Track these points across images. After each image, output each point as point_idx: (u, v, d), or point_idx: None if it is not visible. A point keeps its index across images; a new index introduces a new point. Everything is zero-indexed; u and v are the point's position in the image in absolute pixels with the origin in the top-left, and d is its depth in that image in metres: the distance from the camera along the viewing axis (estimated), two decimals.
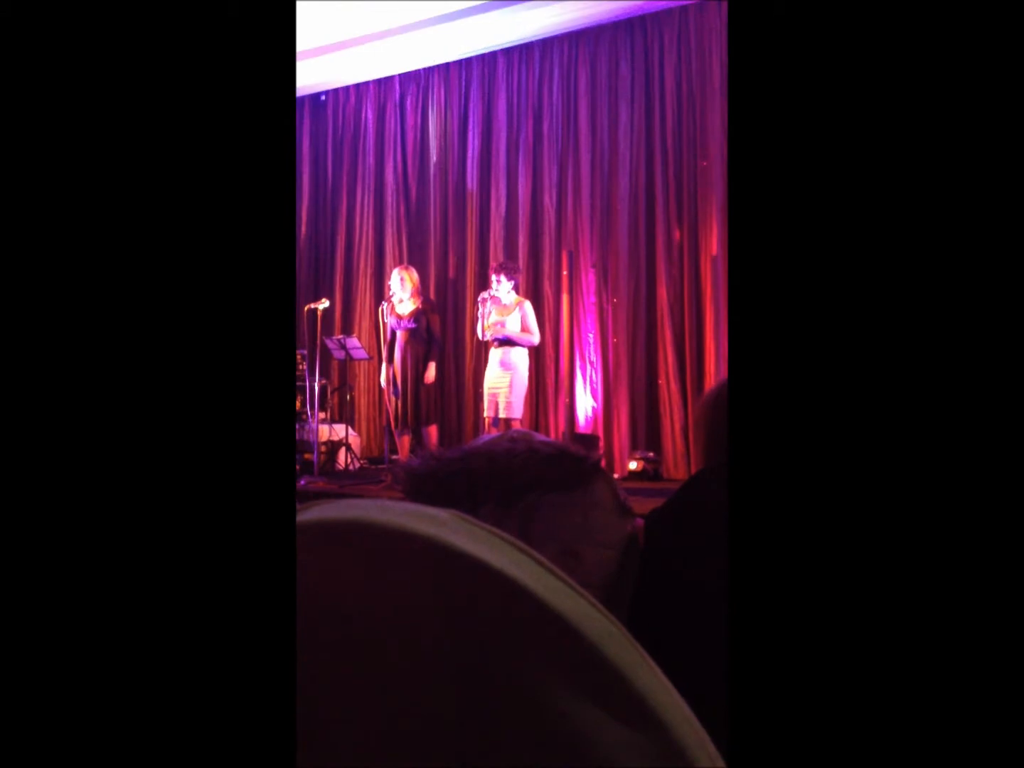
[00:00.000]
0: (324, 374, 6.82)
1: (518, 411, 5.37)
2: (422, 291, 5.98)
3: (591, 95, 6.51)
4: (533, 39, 6.67)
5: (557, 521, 0.70)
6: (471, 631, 0.22)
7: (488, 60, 6.98)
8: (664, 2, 6.12)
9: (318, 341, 6.09)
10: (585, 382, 6.36)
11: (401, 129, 7.45)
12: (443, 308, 6.82)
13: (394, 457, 6.05)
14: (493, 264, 5.91)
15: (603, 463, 0.78)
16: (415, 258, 7.07)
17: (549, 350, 6.44)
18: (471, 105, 7.09)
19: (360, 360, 6.73)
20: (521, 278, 5.89)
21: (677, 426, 5.98)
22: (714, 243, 5.92)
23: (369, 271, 7.54)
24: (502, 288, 5.44)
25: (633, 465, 5.87)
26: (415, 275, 5.88)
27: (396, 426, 5.82)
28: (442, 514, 0.26)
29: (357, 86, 7.67)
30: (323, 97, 7.86)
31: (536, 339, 5.52)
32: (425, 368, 5.69)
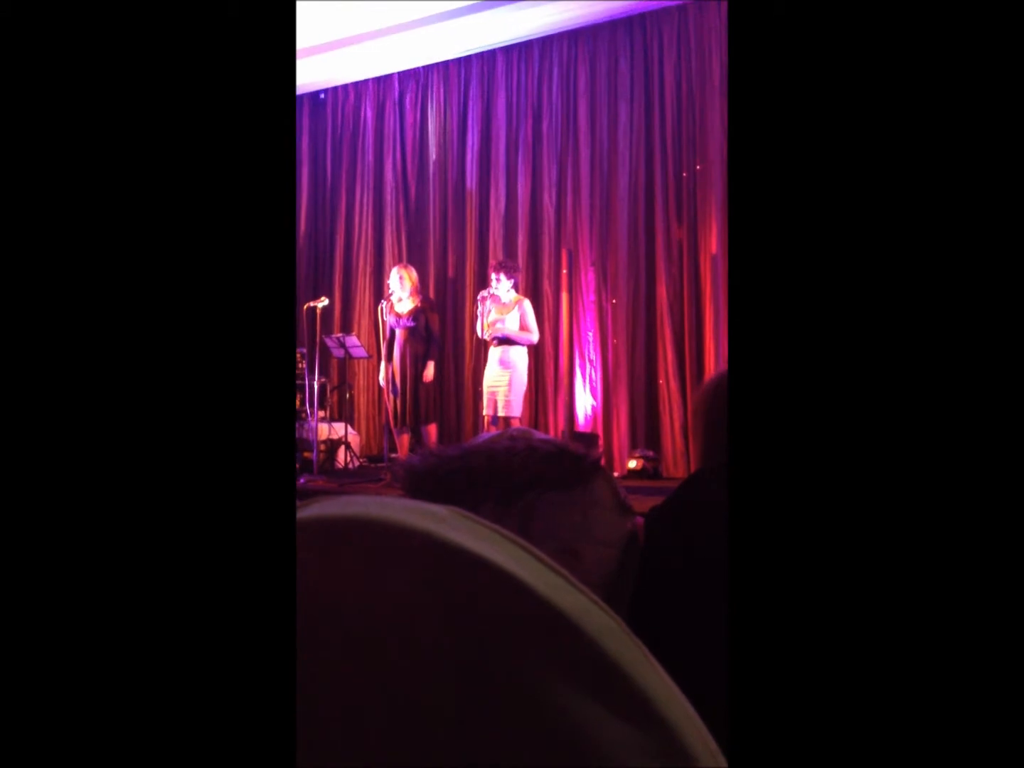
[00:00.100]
0: (323, 372, 6.82)
1: (517, 410, 5.37)
2: (421, 290, 5.98)
3: (591, 94, 6.51)
4: (532, 37, 6.66)
5: (557, 519, 0.70)
6: (471, 628, 0.22)
7: (487, 58, 6.98)
8: (664, 1, 6.11)
9: (317, 339, 6.09)
10: (584, 381, 6.36)
11: (400, 127, 7.44)
12: (442, 307, 6.82)
13: (393, 456, 6.05)
14: (492, 263, 5.90)
15: (603, 461, 0.78)
16: (414, 257, 7.06)
17: (548, 349, 6.44)
18: (470, 103, 7.08)
19: (359, 358, 6.73)
20: (520, 277, 5.89)
21: (677, 425, 5.98)
22: (714, 242, 5.91)
23: (368, 269, 7.54)
24: (501, 287, 5.44)
25: (632, 464, 5.87)
26: (414, 274, 5.87)
27: (395, 424, 5.82)
28: (442, 510, 0.26)
29: (356, 84, 7.67)
30: (322, 95, 7.85)
31: (535, 338, 5.52)
32: (424, 367, 5.69)
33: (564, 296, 6.49)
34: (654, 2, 6.14)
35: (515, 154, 6.82)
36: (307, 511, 0.25)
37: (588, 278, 6.40)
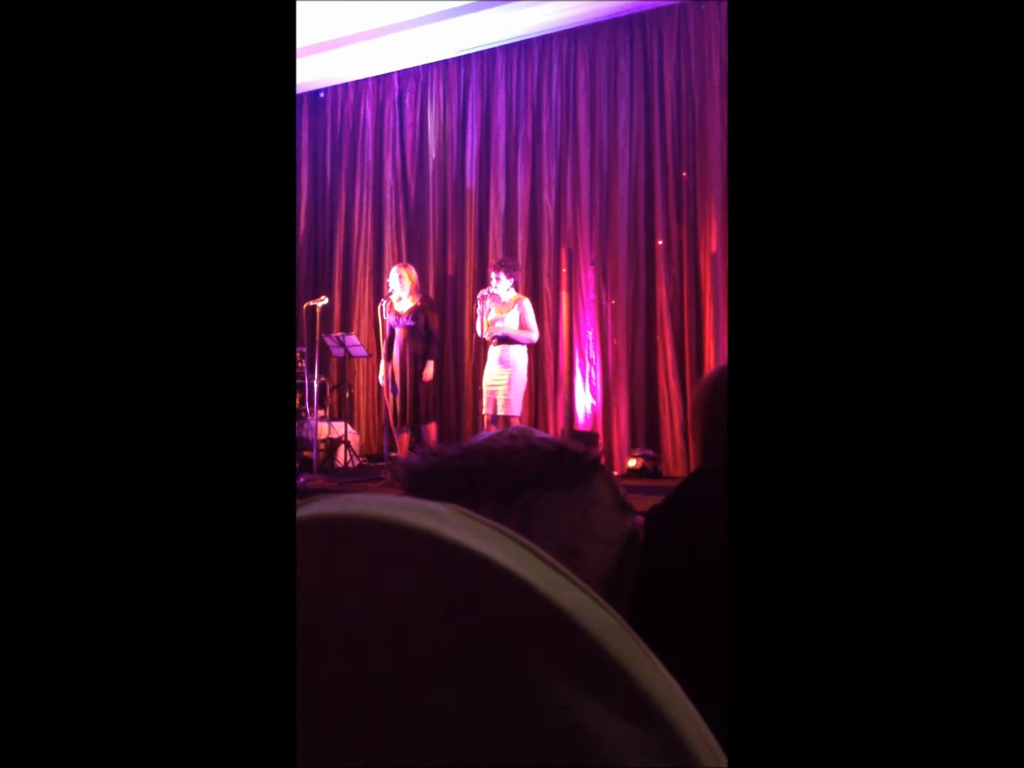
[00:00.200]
0: (323, 372, 6.82)
1: (517, 408, 5.37)
2: (421, 289, 5.97)
3: (590, 92, 6.51)
4: (532, 36, 6.66)
5: (557, 518, 0.70)
6: (471, 626, 0.22)
7: (487, 57, 6.97)
8: (663, 0, 6.11)
9: (317, 339, 6.09)
10: (584, 380, 6.36)
11: (400, 126, 7.44)
12: (442, 306, 6.82)
13: (393, 455, 6.05)
14: (492, 262, 5.90)
15: (602, 460, 0.78)
16: (414, 256, 7.06)
17: (548, 348, 6.44)
18: (470, 102, 7.08)
19: (359, 358, 6.73)
20: (520, 275, 5.88)
21: (676, 424, 5.98)
22: (713, 241, 5.91)
23: (368, 268, 7.54)
24: (501, 286, 5.43)
25: (632, 462, 5.87)
26: (414, 273, 5.87)
27: (395, 423, 5.82)
28: (442, 508, 0.26)
29: (356, 83, 7.66)
30: (322, 94, 7.85)
31: (535, 336, 5.52)
32: (424, 366, 5.69)
33: (564, 295, 6.49)
34: (654, 1, 6.13)
35: (515, 153, 6.82)
36: (307, 509, 0.25)
37: (588, 277, 6.40)
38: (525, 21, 6.39)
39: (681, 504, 0.95)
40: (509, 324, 5.37)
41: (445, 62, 7.16)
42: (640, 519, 0.80)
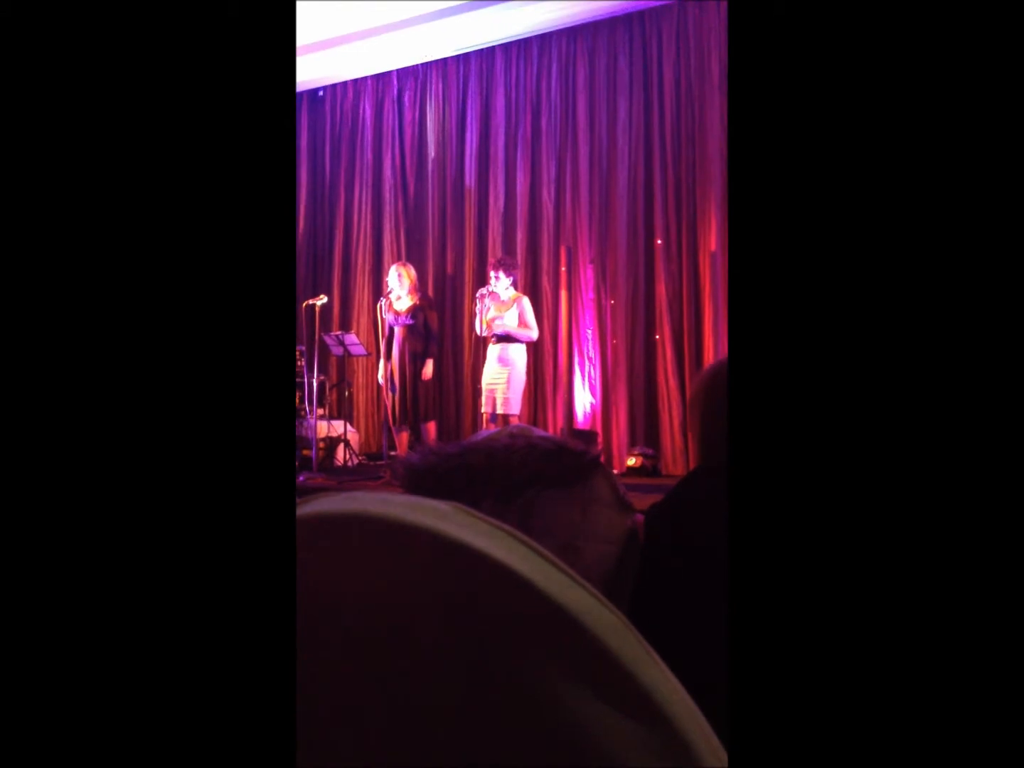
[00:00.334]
0: (322, 370, 6.82)
1: (516, 407, 5.37)
2: (420, 287, 5.97)
3: (589, 90, 6.50)
4: (531, 34, 6.66)
5: (556, 516, 0.70)
6: (473, 624, 0.22)
7: (486, 55, 6.97)
8: None
9: (316, 337, 6.09)
10: (584, 378, 6.36)
11: (399, 125, 7.44)
12: (441, 304, 6.82)
13: (392, 453, 6.05)
14: (491, 260, 5.90)
15: (602, 459, 0.78)
16: (413, 254, 7.06)
17: (547, 346, 6.44)
18: (469, 101, 7.08)
19: (358, 356, 6.73)
20: (519, 274, 5.88)
21: (676, 422, 5.98)
22: (713, 239, 5.91)
23: (367, 267, 7.54)
24: (500, 284, 5.43)
25: (632, 461, 5.88)
26: (413, 271, 5.87)
27: (394, 422, 5.82)
28: (443, 506, 0.26)
29: (355, 82, 7.66)
30: (321, 93, 7.84)
31: (535, 334, 5.52)
32: (423, 364, 5.68)
33: (563, 293, 6.49)
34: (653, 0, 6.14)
35: (514, 151, 6.82)
36: (308, 508, 0.25)
37: (587, 275, 6.40)
38: (524, 19, 6.39)
39: (681, 503, 0.95)
40: (508, 322, 5.37)
41: (444, 60, 7.16)
42: (640, 518, 0.80)
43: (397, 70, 7.39)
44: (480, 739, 0.20)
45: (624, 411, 6.20)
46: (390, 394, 5.80)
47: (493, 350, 5.44)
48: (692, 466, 1.09)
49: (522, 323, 5.41)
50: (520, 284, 5.93)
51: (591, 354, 6.35)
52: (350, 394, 7.45)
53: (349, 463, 6.52)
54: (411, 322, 5.70)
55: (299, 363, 6.55)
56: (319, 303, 6.15)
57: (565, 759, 0.20)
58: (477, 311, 5.49)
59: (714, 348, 5.82)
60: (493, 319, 5.40)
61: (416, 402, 5.72)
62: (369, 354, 6.67)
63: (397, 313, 5.75)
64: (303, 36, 6.28)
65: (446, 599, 0.22)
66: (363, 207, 7.56)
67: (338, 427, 6.65)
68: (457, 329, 7.01)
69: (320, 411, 6.51)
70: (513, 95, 6.87)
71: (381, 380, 5.90)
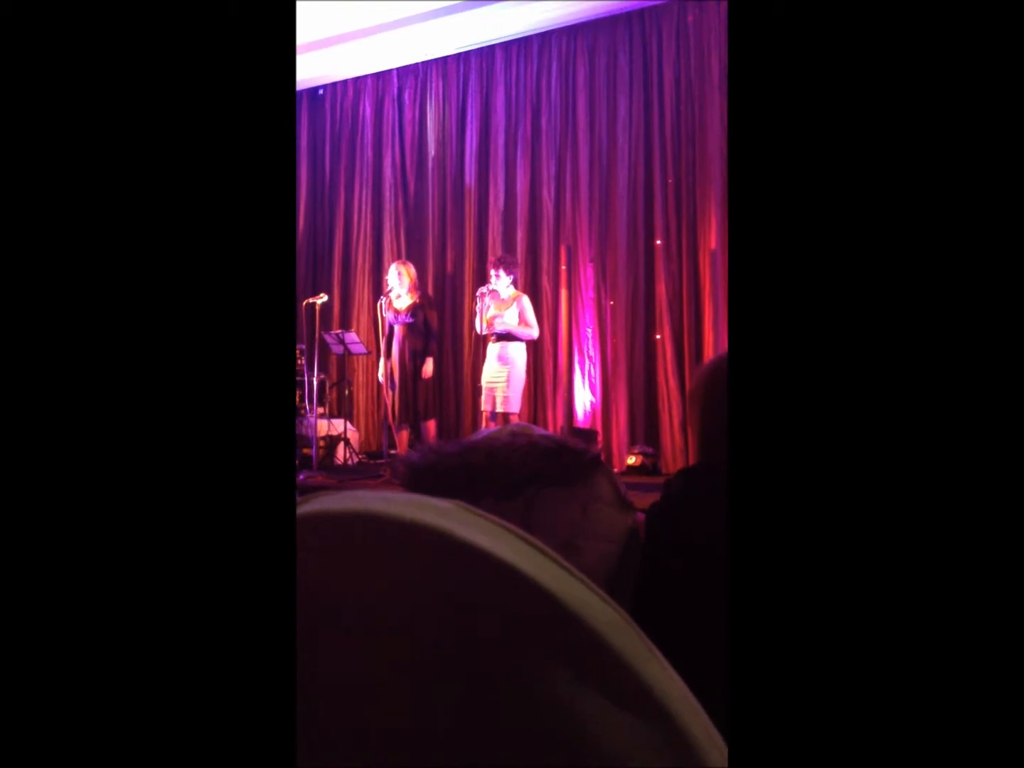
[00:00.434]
0: (323, 369, 6.82)
1: (516, 406, 5.37)
2: (420, 286, 5.97)
3: (589, 89, 6.50)
4: (531, 33, 6.65)
5: (557, 515, 0.70)
6: (475, 622, 0.22)
7: (486, 54, 6.97)
8: None
9: (317, 336, 6.09)
10: (584, 377, 6.36)
11: (399, 123, 7.43)
12: (441, 303, 6.82)
13: (392, 452, 6.06)
14: (492, 258, 5.90)
15: (602, 457, 0.78)
16: (413, 253, 7.06)
17: (548, 345, 6.44)
18: (469, 99, 7.07)
19: (358, 355, 6.73)
20: (519, 273, 5.88)
21: (676, 421, 5.98)
22: (713, 238, 5.91)
23: (367, 266, 7.54)
24: (501, 282, 5.43)
25: (631, 460, 5.88)
26: (412, 270, 5.87)
27: (394, 421, 5.82)
28: (446, 504, 0.26)
29: (355, 80, 7.65)
30: (321, 91, 7.84)
31: (535, 333, 5.51)
32: (423, 363, 5.69)
33: (563, 292, 6.49)
34: None
35: (514, 150, 6.81)
36: (310, 506, 0.25)
37: (587, 274, 6.40)
38: (524, 18, 6.39)
39: (681, 501, 0.95)
40: (509, 321, 5.37)
41: (444, 59, 7.16)
42: (641, 516, 0.79)
43: (397, 68, 7.39)
44: (480, 738, 0.20)
45: (624, 410, 6.20)
46: (390, 392, 5.80)
47: (493, 348, 5.44)
48: (692, 463, 1.08)
49: (522, 322, 5.41)
50: (520, 283, 5.93)
51: (591, 353, 6.35)
52: (350, 392, 7.45)
53: (349, 461, 6.52)
54: (411, 320, 5.70)
55: (299, 362, 6.55)
56: (319, 302, 6.15)
57: (567, 757, 0.20)
58: (477, 309, 5.49)
59: (714, 346, 5.82)
60: (493, 317, 5.39)
61: (416, 400, 5.72)
62: (369, 352, 6.67)
63: (397, 311, 5.75)
64: (303, 34, 6.28)
65: (448, 597, 0.22)
66: (363, 206, 7.56)
67: (338, 425, 6.66)
68: (457, 327, 7.01)
69: (320, 409, 6.51)
70: (513, 94, 6.87)
71: (381, 378, 5.90)
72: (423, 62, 7.26)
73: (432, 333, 5.78)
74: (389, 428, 6.00)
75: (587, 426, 6.24)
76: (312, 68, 7.13)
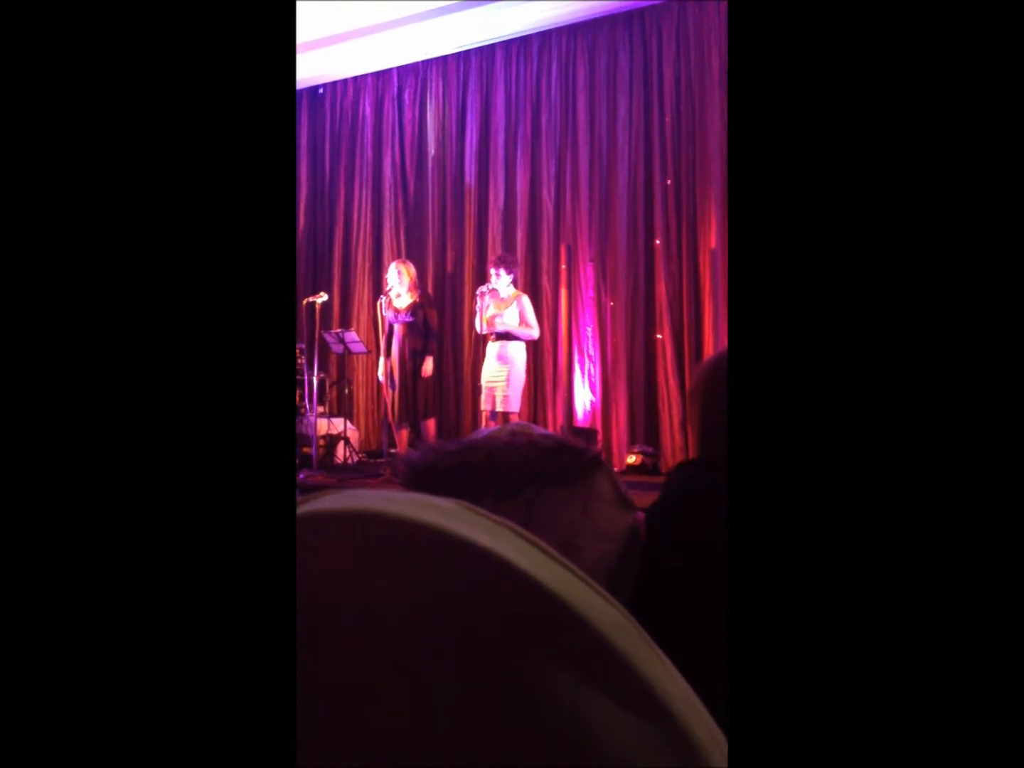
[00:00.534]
0: (322, 368, 6.82)
1: (515, 405, 5.37)
2: (419, 285, 5.97)
3: (590, 88, 6.50)
4: (531, 32, 6.65)
5: (557, 514, 0.70)
6: (476, 621, 0.21)
7: (486, 53, 6.96)
8: None
9: (316, 335, 6.09)
10: (584, 376, 6.36)
11: (399, 122, 7.43)
12: (441, 302, 6.82)
13: (392, 451, 6.06)
14: (492, 257, 5.90)
15: (603, 456, 0.77)
16: (413, 252, 7.06)
17: (548, 344, 6.44)
18: (469, 98, 7.07)
19: (358, 354, 6.73)
20: (519, 272, 5.88)
21: (676, 420, 5.98)
22: (713, 237, 5.91)
23: (367, 265, 7.54)
24: (501, 281, 5.43)
25: (631, 459, 5.88)
26: (412, 269, 5.87)
27: (394, 420, 5.82)
28: (448, 504, 0.26)
29: (355, 79, 7.65)
30: (321, 90, 7.83)
31: (535, 333, 5.51)
32: (423, 362, 5.69)
33: (563, 292, 6.49)
34: None
35: (514, 149, 6.81)
36: (311, 506, 0.25)
37: (587, 273, 6.40)
38: (524, 17, 6.38)
39: (681, 499, 0.95)
40: (508, 320, 5.37)
41: (444, 58, 7.16)
42: (641, 515, 0.79)
43: (397, 67, 7.38)
44: (482, 739, 0.20)
45: (624, 409, 6.20)
46: (390, 391, 5.80)
47: (492, 348, 5.44)
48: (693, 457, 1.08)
49: (523, 322, 5.41)
50: (520, 282, 5.93)
51: (591, 352, 6.35)
52: (350, 391, 7.45)
53: (349, 460, 6.53)
54: (411, 319, 5.70)
55: (299, 361, 6.55)
56: (319, 301, 6.15)
57: (569, 758, 0.20)
58: (477, 309, 5.49)
59: (714, 346, 5.81)
60: (493, 316, 5.39)
61: (416, 399, 5.72)
62: (369, 352, 6.67)
63: (397, 311, 5.76)
64: (303, 33, 6.28)
65: (450, 597, 0.22)
66: (363, 205, 7.56)
67: (338, 424, 6.66)
68: (457, 326, 7.01)
69: (320, 408, 6.51)
70: (513, 93, 6.87)
71: (381, 377, 5.90)
72: (423, 61, 7.26)
73: (432, 332, 5.78)
74: (389, 427, 6.00)
75: (587, 425, 6.24)
76: (312, 67, 7.13)
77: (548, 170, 6.63)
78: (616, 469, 5.70)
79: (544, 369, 6.50)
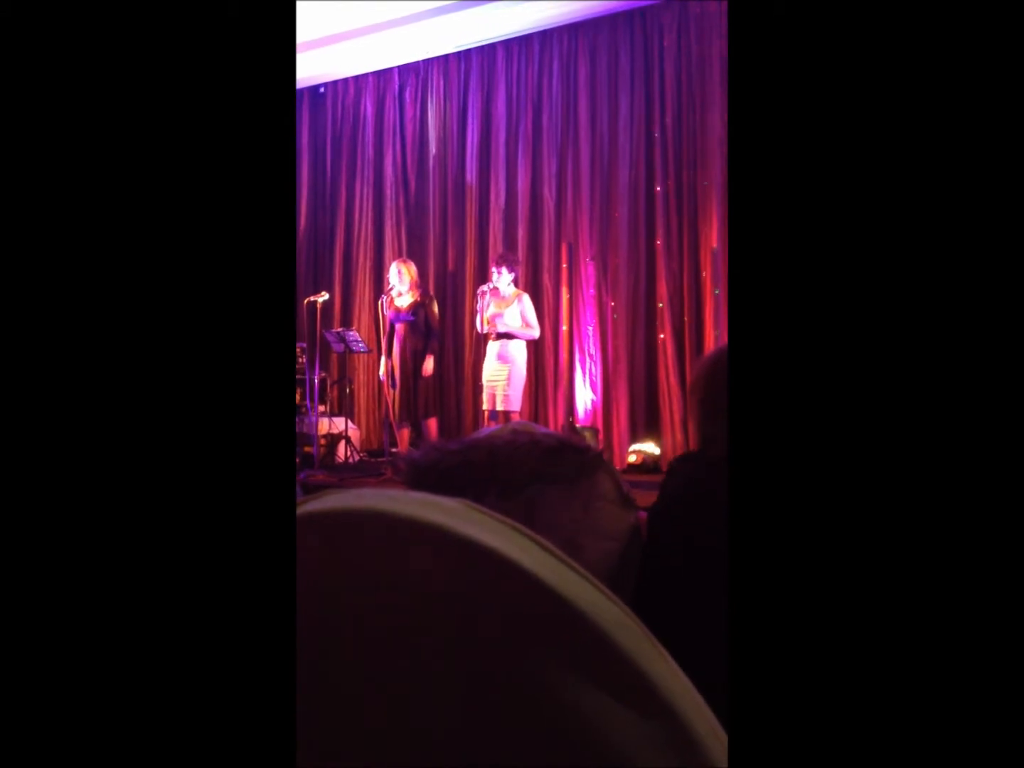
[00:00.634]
0: (324, 367, 6.82)
1: (516, 404, 5.37)
2: (420, 284, 5.97)
3: (591, 87, 6.49)
4: (532, 31, 6.65)
5: (559, 513, 0.70)
6: (480, 620, 0.21)
7: (487, 52, 6.96)
8: None
9: (317, 334, 6.09)
10: (584, 375, 6.36)
11: (400, 121, 7.43)
12: (442, 301, 6.81)
13: (394, 450, 6.06)
14: (493, 256, 5.90)
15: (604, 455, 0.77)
16: (414, 251, 7.06)
17: (548, 343, 6.44)
18: (470, 97, 7.07)
19: (359, 353, 6.73)
20: (520, 271, 5.88)
21: (676, 419, 5.98)
22: (714, 236, 5.91)
23: (368, 264, 7.54)
24: (502, 280, 5.43)
25: (632, 458, 5.88)
26: (413, 268, 5.87)
27: (395, 419, 5.82)
28: (451, 503, 0.26)
29: (356, 78, 7.65)
30: (322, 89, 7.83)
31: (536, 332, 5.52)
32: (423, 361, 5.69)
33: (564, 290, 6.49)
34: None
35: (515, 148, 6.81)
36: (315, 505, 0.25)
37: (588, 272, 6.40)
38: (525, 16, 6.38)
39: (681, 496, 0.95)
40: (509, 320, 5.37)
41: (445, 57, 7.15)
42: (643, 514, 0.79)
43: (398, 66, 7.38)
44: (484, 738, 0.20)
45: (625, 408, 6.20)
46: (391, 390, 5.80)
47: (492, 347, 5.44)
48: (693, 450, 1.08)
49: (523, 321, 5.41)
50: (521, 281, 5.93)
51: (592, 351, 6.35)
52: (351, 391, 7.45)
53: (350, 460, 6.53)
54: (412, 319, 5.70)
55: (300, 360, 6.56)
56: (320, 300, 6.15)
57: (571, 756, 0.20)
58: (478, 308, 5.49)
59: (715, 344, 5.81)
60: (494, 315, 5.39)
61: (417, 398, 5.73)
62: (370, 351, 6.67)
63: (398, 310, 5.76)
64: (304, 32, 6.28)
65: (453, 596, 0.22)
66: (364, 204, 7.56)
67: (339, 424, 6.66)
68: (458, 325, 7.01)
69: (321, 408, 6.51)
70: (514, 92, 6.86)
71: (382, 376, 5.90)
72: (424, 60, 7.25)
73: (433, 331, 5.78)
74: (390, 426, 6.00)
75: (588, 424, 6.24)
76: (313, 66, 7.13)
77: (549, 169, 6.63)
78: (616, 468, 5.69)
79: (545, 368, 6.50)
